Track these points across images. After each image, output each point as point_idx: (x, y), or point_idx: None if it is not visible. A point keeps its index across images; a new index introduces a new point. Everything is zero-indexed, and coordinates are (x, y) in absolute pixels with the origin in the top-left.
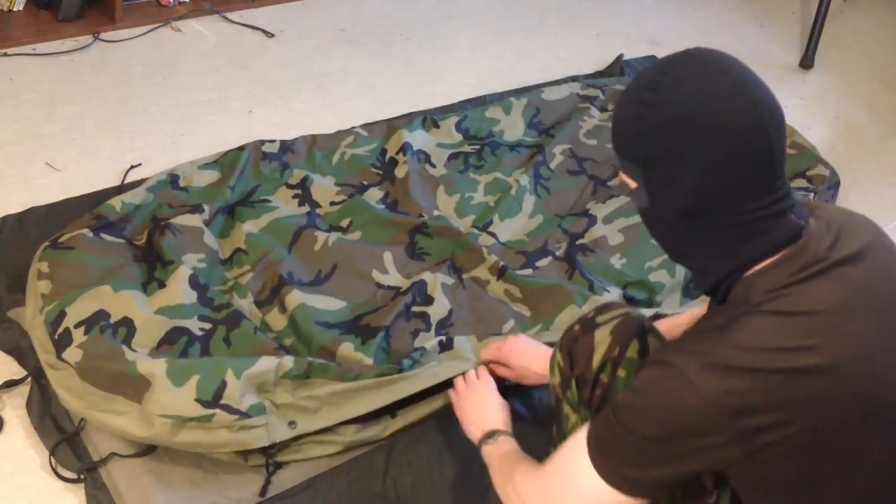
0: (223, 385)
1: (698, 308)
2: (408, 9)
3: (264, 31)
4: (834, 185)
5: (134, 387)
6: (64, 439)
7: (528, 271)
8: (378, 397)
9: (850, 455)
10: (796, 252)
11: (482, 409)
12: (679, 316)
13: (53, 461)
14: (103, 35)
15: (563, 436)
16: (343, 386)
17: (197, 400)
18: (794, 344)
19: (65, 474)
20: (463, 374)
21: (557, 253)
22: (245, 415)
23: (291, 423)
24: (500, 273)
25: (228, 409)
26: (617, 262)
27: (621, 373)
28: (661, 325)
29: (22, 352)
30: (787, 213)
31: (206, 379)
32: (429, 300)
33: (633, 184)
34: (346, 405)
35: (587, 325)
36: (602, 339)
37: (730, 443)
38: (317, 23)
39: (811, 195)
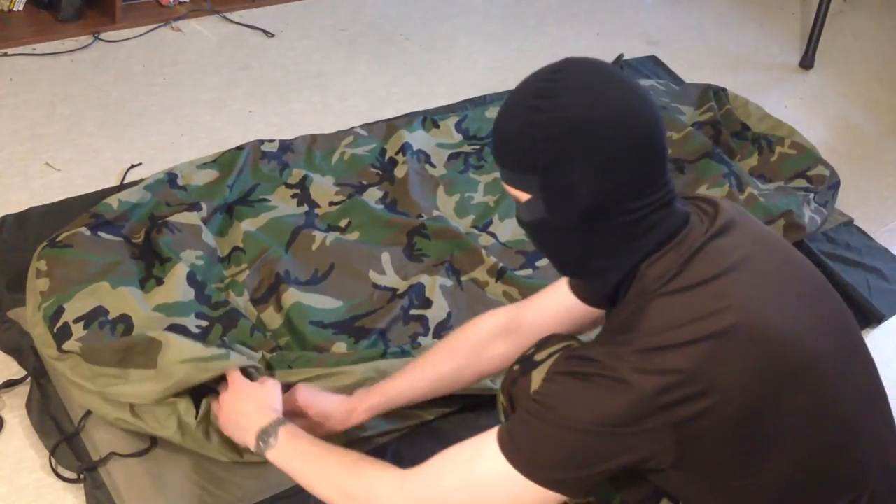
0: (224, 339)
1: (559, 283)
2: (408, 9)
3: (264, 31)
4: (834, 185)
5: (145, 353)
6: (64, 439)
7: (528, 271)
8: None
9: (777, 424)
10: (681, 240)
11: (243, 405)
12: (540, 297)
13: (53, 461)
14: (103, 35)
15: None
16: (324, 370)
17: (208, 346)
18: (696, 315)
19: (65, 474)
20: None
21: None
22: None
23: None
24: (499, 274)
25: (240, 350)
26: None
27: None
28: (526, 311)
29: (22, 352)
30: (674, 203)
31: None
32: (427, 303)
33: (524, 196)
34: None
35: (525, 364)
36: (538, 379)
37: (657, 428)
38: (317, 23)
39: (811, 195)
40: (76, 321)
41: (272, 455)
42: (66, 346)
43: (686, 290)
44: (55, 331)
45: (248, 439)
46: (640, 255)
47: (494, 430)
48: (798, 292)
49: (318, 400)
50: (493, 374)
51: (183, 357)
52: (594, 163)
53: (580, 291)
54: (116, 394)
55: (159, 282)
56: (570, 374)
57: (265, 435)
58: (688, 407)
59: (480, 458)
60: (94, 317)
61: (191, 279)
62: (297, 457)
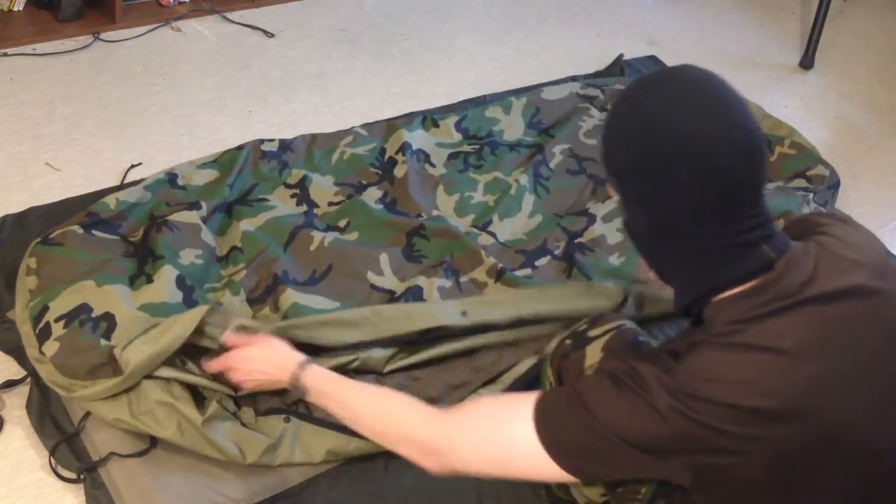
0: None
1: None
2: (408, 9)
3: (264, 31)
4: (834, 185)
5: (112, 365)
6: (64, 439)
7: (528, 270)
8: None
9: (797, 493)
10: (767, 283)
11: (277, 349)
12: None
13: (53, 461)
14: (103, 35)
15: None
16: (307, 319)
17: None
18: (747, 379)
19: (65, 474)
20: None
21: (556, 252)
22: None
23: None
24: (499, 275)
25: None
26: (615, 260)
27: None
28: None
29: (22, 352)
30: (759, 245)
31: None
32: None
33: (614, 195)
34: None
35: (578, 339)
36: (594, 354)
37: (679, 464)
38: (317, 23)
39: (811, 195)
40: (57, 320)
41: (312, 381)
42: (45, 347)
43: (745, 351)
44: (38, 331)
45: (283, 376)
46: (709, 287)
47: (534, 396)
48: (886, 386)
49: (256, 365)
50: None
51: (127, 342)
52: (661, 182)
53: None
54: (85, 397)
55: (149, 279)
56: (616, 378)
57: (303, 365)
58: (712, 458)
59: (515, 420)
60: (76, 315)
61: (179, 282)
62: (335, 382)
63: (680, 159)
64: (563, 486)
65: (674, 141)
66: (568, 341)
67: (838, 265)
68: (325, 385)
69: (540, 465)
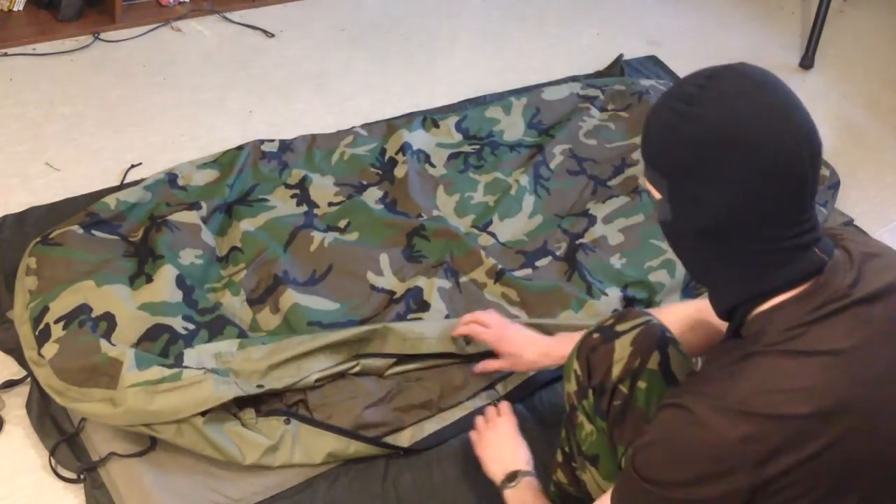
0: (181, 355)
1: (700, 301)
2: (408, 9)
3: (264, 31)
4: (834, 185)
5: (108, 374)
6: (64, 439)
7: (528, 271)
8: (340, 351)
9: (869, 496)
10: (817, 287)
11: (502, 449)
12: (675, 307)
13: (53, 461)
14: (103, 35)
15: (576, 442)
16: (301, 339)
17: (161, 366)
18: (809, 386)
19: (64, 474)
20: (482, 410)
21: (557, 253)
22: (211, 371)
23: (259, 385)
24: (498, 276)
25: (192, 368)
26: (617, 261)
27: (641, 384)
28: (663, 314)
29: (22, 351)
30: (811, 247)
31: (166, 363)
32: (425, 306)
33: (657, 195)
34: (310, 360)
35: (607, 333)
36: (623, 349)
37: (745, 488)
38: (317, 23)
39: None
40: (57, 321)
41: (507, 494)
42: (45, 349)
43: (807, 356)
44: (37, 332)
45: (494, 470)
46: (760, 291)
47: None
48: None
49: (512, 332)
50: None
51: (133, 381)
52: (721, 182)
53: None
54: (81, 412)
55: (149, 279)
56: (666, 427)
57: (509, 479)
58: (779, 478)
59: None
60: (76, 315)
61: (179, 282)
62: (518, 500)
63: (745, 160)
64: (575, 481)
65: (740, 141)
66: (596, 335)
67: (874, 267)
68: (516, 500)
69: None
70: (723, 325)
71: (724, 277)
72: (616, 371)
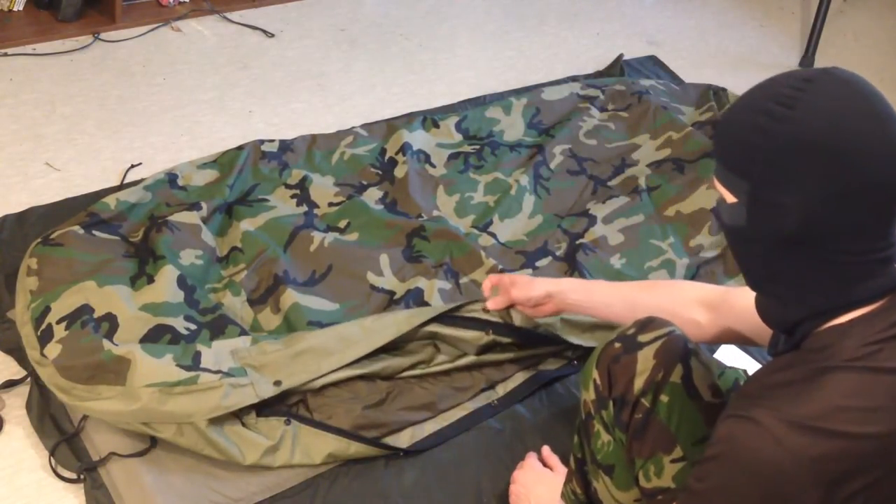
0: (198, 354)
1: (738, 287)
2: (408, 9)
3: (264, 31)
4: None
5: (114, 371)
6: (64, 439)
7: (528, 271)
8: (359, 346)
9: None
10: (893, 304)
11: (538, 494)
12: (682, 284)
13: (53, 461)
14: (103, 35)
15: (590, 451)
16: (319, 332)
17: (178, 366)
18: (888, 405)
19: (65, 474)
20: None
21: (557, 253)
22: (228, 374)
23: (276, 382)
24: None
25: (210, 370)
26: (617, 262)
27: (664, 398)
28: (661, 287)
29: (22, 352)
30: (892, 262)
31: (179, 353)
32: (425, 306)
33: (731, 198)
34: (329, 356)
35: (629, 344)
36: (646, 360)
37: (810, 494)
38: (317, 23)
39: None
40: (59, 321)
41: None
42: (47, 349)
43: (883, 374)
44: (39, 333)
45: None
46: (838, 304)
47: None
48: None
49: (522, 275)
50: None
51: (148, 381)
52: (811, 191)
53: (759, 304)
54: (90, 410)
55: (150, 280)
56: (731, 441)
57: None
58: (850, 499)
59: None
60: (78, 316)
61: (181, 282)
62: None
63: (841, 170)
64: (584, 486)
65: (839, 150)
66: (617, 345)
67: None
68: None
69: None
70: (744, 312)
71: (796, 288)
72: (638, 384)
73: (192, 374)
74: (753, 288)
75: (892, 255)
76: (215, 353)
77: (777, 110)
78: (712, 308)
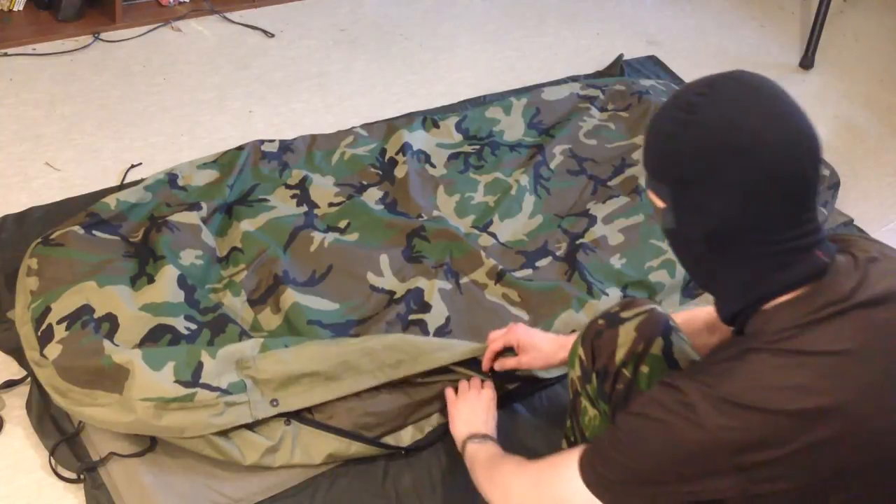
0: (200, 366)
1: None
2: (408, 9)
3: (264, 31)
4: (834, 185)
5: (113, 378)
6: (64, 439)
7: (528, 271)
8: (364, 378)
9: (852, 499)
10: (818, 289)
11: (477, 412)
12: (696, 311)
13: (53, 461)
14: (103, 35)
15: (579, 429)
16: (326, 345)
17: (177, 381)
18: (801, 384)
19: (65, 474)
20: (468, 379)
21: (558, 253)
22: (226, 392)
23: (273, 402)
24: (499, 277)
25: (209, 387)
26: (617, 262)
27: (644, 369)
28: (678, 318)
29: (22, 352)
30: (813, 249)
31: (182, 362)
32: (425, 307)
33: (661, 204)
34: (331, 383)
35: (611, 319)
36: (627, 334)
37: (728, 481)
38: (317, 23)
39: None
40: (59, 322)
41: (469, 448)
42: (47, 350)
43: (800, 355)
44: (39, 333)
45: (462, 428)
46: (763, 293)
47: (577, 452)
48: None
49: (530, 333)
50: None
51: (145, 394)
52: (723, 188)
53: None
54: (85, 416)
55: (151, 280)
56: (656, 403)
57: (474, 437)
58: (761, 470)
59: (563, 477)
60: (78, 316)
61: (181, 282)
62: (482, 456)
63: (747, 166)
64: None
65: (742, 147)
66: (601, 321)
67: (879, 271)
68: (467, 462)
69: None
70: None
71: (728, 283)
72: (620, 355)
73: (190, 391)
74: (701, 287)
75: (811, 242)
76: (218, 365)
77: (681, 116)
78: (715, 328)
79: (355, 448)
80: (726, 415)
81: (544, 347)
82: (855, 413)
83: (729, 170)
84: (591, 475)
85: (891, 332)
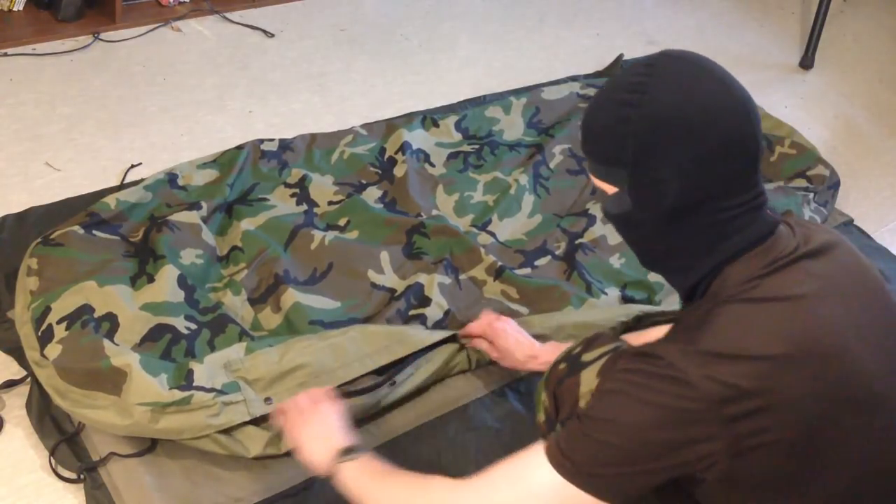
0: (190, 372)
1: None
2: (408, 9)
3: (264, 31)
4: (834, 185)
5: (112, 380)
6: (64, 439)
7: (527, 270)
8: (352, 368)
9: (834, 448)
10: (767, 248)
11: (330, 427)
12: (652, 331)
13: (53, 461)
14: (103, 35)
15: None
16: (309, 339)
17: (172, 388)
18: (776, 329)
19: (65, 474)
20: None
21: (557, 252)
22: (221, 392)
23: (267, 400)
24: (498, 273)
25: (203, 388)
26: (616, 261)
27: None
28: (637, 339)
29: (22, 352)
30: (763, 208)
31: (174, 372)
32: (425, 301)
33: (612, 189)
34: (320, 375)
35: (573, 364)
36: (588, 382)
37: (716, 441)
38: (317, 23)
39: (811, 195)
40: (59, 322)
41: (346, 469)
42: (48, 350)
43: (765, 302)
44: (40, 333)
45: (320, 448)
46: (724, 257)
47: (541, 444)
48: (879, 330)
49: (507, 334)
50: None
51: (141, 399)
52: (685, 159)
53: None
54: (84, 417)
55: (151, 279)
56: (634, 373)
57: (346, 452)
58: (748, 422)
59: (531, 469)
60: (78, 316)
61: (181, 282)
62: (370, 474)
63: (704, 134)
64: None
65: (695, 119)
66: (562, 366)
67: (810, 231)
68: (351, 484)
69: (572, 503)
70: None
71: (687, 254)
72: (583, 404)
73: (186, 394)
74: (652, 268)
75: (762, 202)
76: (208, 369)
77: (633, 98)
78: None
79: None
80: (709, 366)
81: (517, 355)
82: (827, 352)
83: (686, 142)
84: (570, 467)
85: (831, 277)
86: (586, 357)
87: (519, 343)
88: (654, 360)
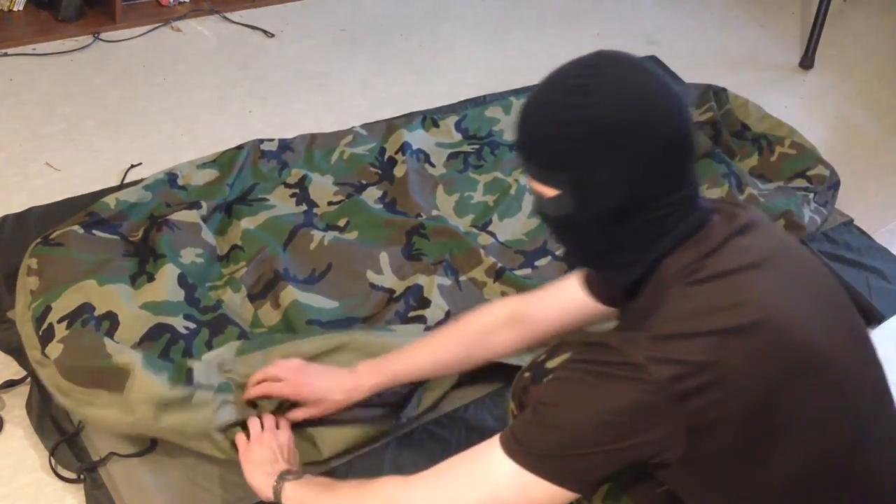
0: (190, 371)
1: (566, 278)
2: (408, 9)
3: (264, 31)
4: (834, 185)
5: (114, 378)
6: (64, 439)
7: (527, 271)
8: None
9: (790, 413)
10: (702, 237)
11: (278, 452)
12: (547, 291)
13: (53, 461)
14: (103, 35)
15: None
16: (295, 344)
17: (174, 386)
18: (713, 306)
19: (65, 474)
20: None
21: (557, 252)
22: (219, 390)
23: (253, 404)
24: (498, 275)
25: (203, 386)
26: None
27: None
28: (533, 304)
29: (22, 352)
30: (697, 199)
31: (174, 371)
32: (425, 302)
33: (551, 192)
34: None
35: (536, 372)
36: None
37: (667, 415)
38: (317, 23)
39: (811, 195)
40: (60, 321)
41: (289, 488)
42: (49, 349)
43: (705, 282)
44: (41, 332)
45: (263, 473)
46: (664, 251)
47: (496, 436)
48: (813, 294)
49: (313, 378)
50: (496, 359)
51: (144, 396)
52: (626, 162)
53: (595, 288)
54: (86, 416)
55: (151, 278)
56: (584, 362)
57: (287, 473)
58: (700, 397)
59: (486, 460)
60: (79, 314)
61: (181, 280)
62: (315, 488)
63: (644, 135)
64: None
65: (637, 119)
66: (527, 374)
67: (732, 211)
68: (302, 494)
69: (530, 491)
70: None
71: (625, 253)
72: None
73: (188, 391)
74: (591, 268)
75: (696, 192)
76: (205, 367)
77: (575, 100)
78: (518, 321)
79: (358, 432)
80: (660, 349)
81: (331, 397)
82: (771, 319)
83: (630, 144)
84: (523, 452)
85: (766, 250)
86: (550, 364)
87: (331, 383)
88: (602, 347)
